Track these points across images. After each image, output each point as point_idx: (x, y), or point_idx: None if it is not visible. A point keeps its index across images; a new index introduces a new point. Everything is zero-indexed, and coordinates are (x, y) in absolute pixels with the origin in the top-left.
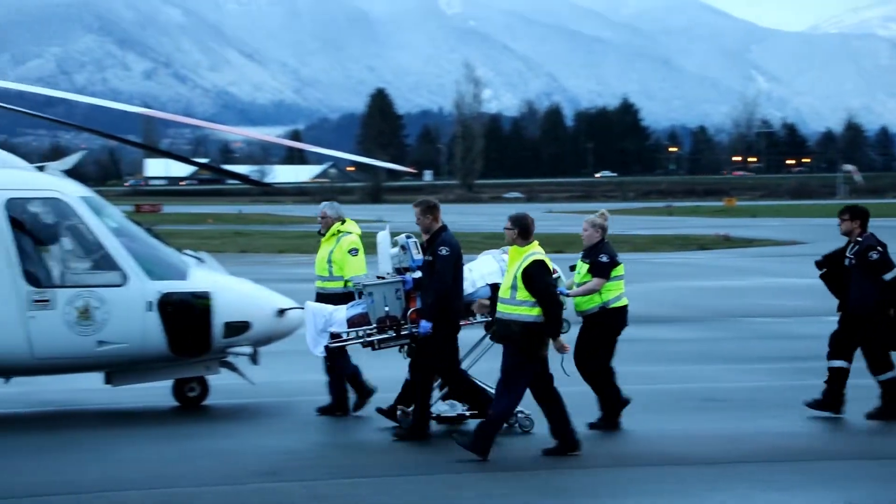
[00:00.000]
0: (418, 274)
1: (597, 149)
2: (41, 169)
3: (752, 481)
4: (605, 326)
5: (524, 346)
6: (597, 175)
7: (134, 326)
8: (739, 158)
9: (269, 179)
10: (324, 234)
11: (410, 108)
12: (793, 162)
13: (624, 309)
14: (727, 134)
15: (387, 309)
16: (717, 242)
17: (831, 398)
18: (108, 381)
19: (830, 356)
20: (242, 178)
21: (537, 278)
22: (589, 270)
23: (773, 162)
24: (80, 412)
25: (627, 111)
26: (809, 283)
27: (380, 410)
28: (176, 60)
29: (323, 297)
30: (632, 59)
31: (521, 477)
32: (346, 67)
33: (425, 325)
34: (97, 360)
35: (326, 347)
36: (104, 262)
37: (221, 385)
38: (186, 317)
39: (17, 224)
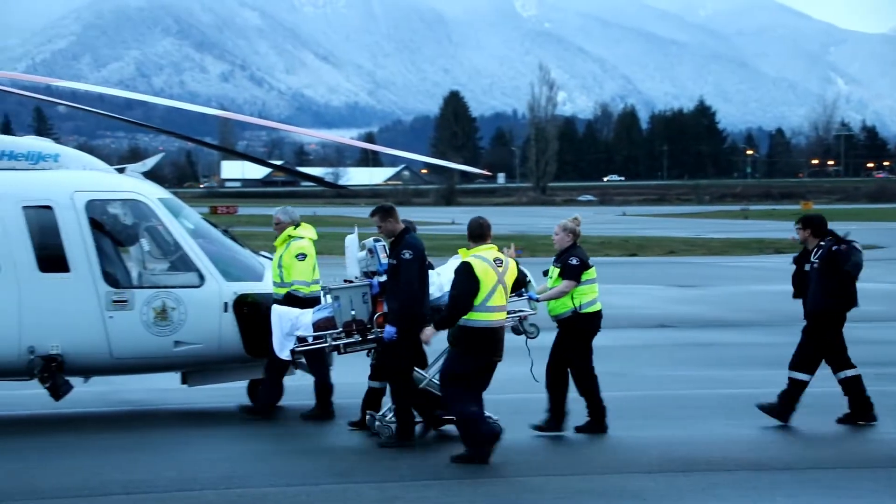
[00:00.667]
0: (385, 278)
1: (671, 152)
2: (121, 171)
3: (829, 488)
4: (577, 331)
5: (460, 347)
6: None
7: (210, 327)
8: (817, 161)
9: (342, 181)
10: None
11: (484, 110)
12: (872, 165)
13: (597, 314)
14: (805, 137)
15: (353, 313)
16: (793, 246)
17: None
18: (184, 381)
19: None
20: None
21: (454, 280)
22: (560, 273)
23: (851, 165)
24: (156, 412)
25: (703, 113)
26: (888, 287)
27: (352, 424)
28: (252, 63)
29: (279, 302)
30: (708, 61)
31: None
32: (420, 70)
33: (390, 330)
34: (174, 360)
35: (292, 351)
36: (181, 263)
37: (295, 386)
38: (262, 318)
39: (97, 225)
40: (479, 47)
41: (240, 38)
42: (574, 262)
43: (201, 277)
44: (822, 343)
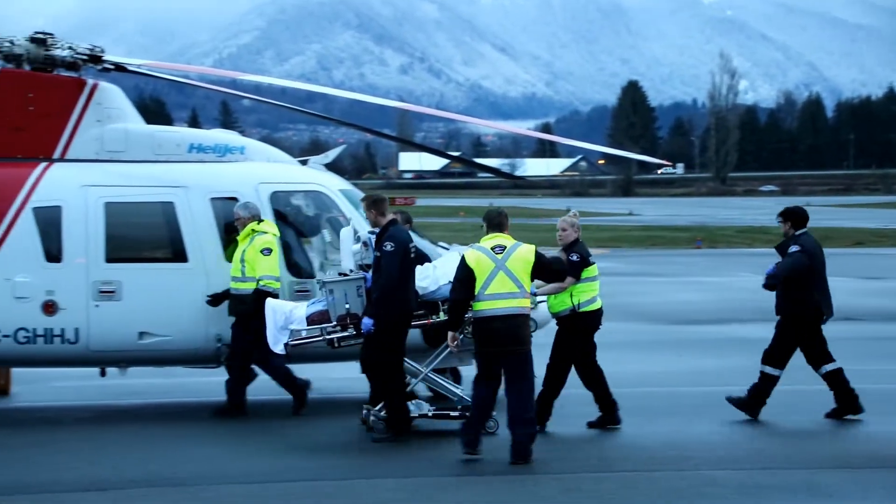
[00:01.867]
0: None
1: (858, 140)
2: (304, 163)
3: None
4: (576, 329)
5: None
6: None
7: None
8: None
9: (519, 173)
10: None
11: (663, 99)
12: None
13: (597, 312)
14: None
15: (347, 306)
16: None
17: (844, 402)
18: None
19: (816, 365)
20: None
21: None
22: None
23: None
24: (343, 401)
25: (893, 100)
26: None
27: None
28: (431, 55)
29: (235, 299)
30: None
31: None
32: (598, 60)
33: (366, 323)
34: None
35: (286, 345)
36: None
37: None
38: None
39: (281, 216)
40: (658, 36)
41: (418, 31)
42: (574, 258)
43: None
44: (795, 339)
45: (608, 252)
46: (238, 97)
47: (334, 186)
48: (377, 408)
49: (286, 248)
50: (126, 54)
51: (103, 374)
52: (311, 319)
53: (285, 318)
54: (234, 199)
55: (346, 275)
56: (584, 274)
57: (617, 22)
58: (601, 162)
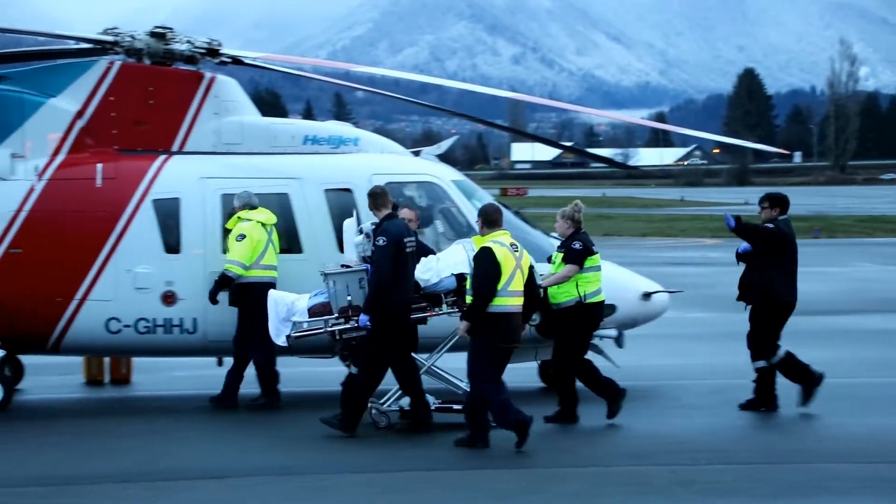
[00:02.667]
0: None
1: None
2: (416, 154)
3: None
4: (580, 321)
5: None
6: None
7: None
8: None
9: (632, 162)
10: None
11: (780, 87)
12: None
13: (600, 304)
14: None
15: (349, 298)
16: None
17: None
18: None
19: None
20: (606, 160)
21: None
22: (563, 258)
23: None
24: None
25: None
26: None
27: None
28: (543, 45)
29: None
30: None
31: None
32: (714, 47)
33: (363, 319)
34: (466, 342)
35: (288, 337)
36: None
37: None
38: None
39: (394, 207)
40: (776, 23)
41: (531, 21)
42: (577, 245)
43: None
44: (770, 323)
45: (722, 242)
46: (352, 89)
47: (447, 177)
48: (381, 401)
49: None
50: (242, 47)
51: (220, 363)
52: (312, 311)
53: (287, 309)
54: (349, 191)
55: (348, 266)
56: (588, 263)
57: (734, 9)
58: (716, 151)
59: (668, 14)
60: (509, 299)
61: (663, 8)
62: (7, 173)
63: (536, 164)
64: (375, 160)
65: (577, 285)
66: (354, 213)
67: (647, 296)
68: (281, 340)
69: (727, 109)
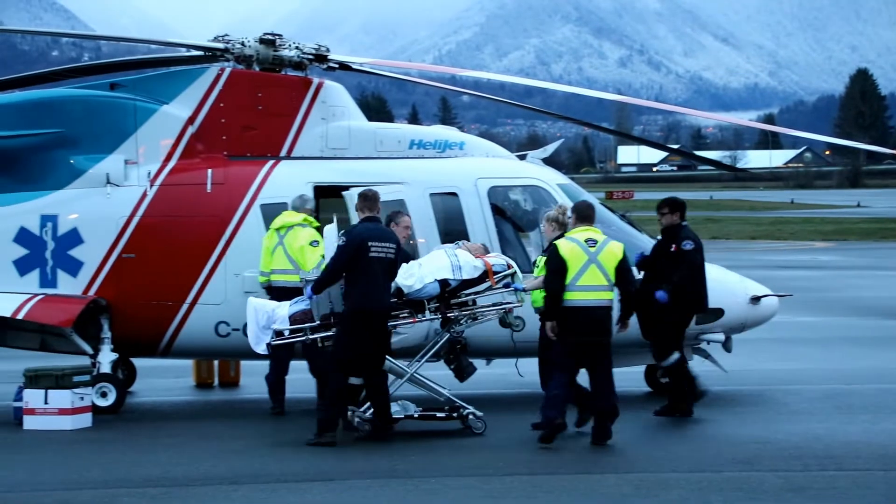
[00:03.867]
0: None
1: None
2: (522, 157)
3: None
4: (559, 324)
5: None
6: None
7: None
8: None
9: (741, 164)
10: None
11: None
12: None
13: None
14: None
15: (331, 305)
16: None
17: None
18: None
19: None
20: (714, 163)
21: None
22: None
23: None
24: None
25: None
26: None
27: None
28: (650, 47)
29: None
30: None
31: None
32: (825, 48)
33: (307, 291)
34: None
35: (269, 345)
36: None
37: (694, 372)
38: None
39: (499, 210)
40: (890, 22)
41: (638, 23)
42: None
43: None
44: (677, 321)
45: (834, 245)
46: (457, 93)
47: (552, 181)
48: (361, 409)
49: (504, 243)
50: (349, 53)
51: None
52: (293, 319)
53: (267, 317)
54: (453, 195)
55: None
56: None
57: (846, 8)
58: (827, 153)
59: (778, 15)
60: (579, 293)
61: (773, 8)
62: (120, 179)
63: (642, 166)
64: (481, 164)
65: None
66: (335, 219)
67: (756, 299)
68: (261, 349)
69: (839, 111)
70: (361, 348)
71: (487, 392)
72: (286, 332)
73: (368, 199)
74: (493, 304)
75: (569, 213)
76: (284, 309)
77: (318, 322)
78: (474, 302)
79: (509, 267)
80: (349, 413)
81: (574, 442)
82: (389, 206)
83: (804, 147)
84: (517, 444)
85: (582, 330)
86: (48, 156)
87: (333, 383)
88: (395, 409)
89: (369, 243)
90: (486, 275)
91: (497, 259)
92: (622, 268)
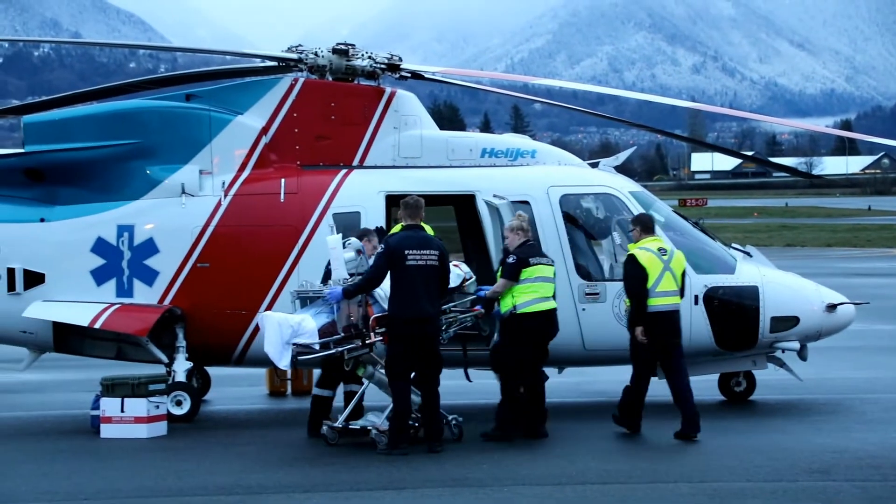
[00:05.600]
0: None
1: None
2: (594, 165)
3: None
4: (513, 332)
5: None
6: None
7: (681, 320)
8: None
9: (817, 171)
10: None
11: None
12: None
13: (536, 315)
14: None
15: (351, 317)
16: None
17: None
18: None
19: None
20: (789, 169)
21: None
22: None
23: None
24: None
25: None
26: None
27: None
28: (724, 53)
29: None
30: None
31: None
32: None
33: (335, 292)
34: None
35: (295, 361)
36: None
37: (768, 380)
38: (733, 311)
39: (571, 219)
40: None
41: (712, 29)
42: (510, 259)
43: None
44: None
45: None
46: (529, 101)
47: (625, 189)
48: (380, 421)
49: (575, 251)
50: (422, 62)
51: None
52: (322, 332)
53: (292, 330)
54: (526, 203)
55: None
56: (526, 275)
57: None
58: None
59: (855, 20)
60: (660, 299)
61: (850, 13)
62: (195, 189)
63: (716, 174)
64: (552, 172)
65: (511, 296)
66: (332, 229)
67: (831, 307)
68: (284, 364)
69: None
70: (408, 356)
71: (561, 401)
72: (316, 346)
73: (410, 206)
74: (463, 311)
75: (522, 223)
76: (310, 322)
77: (341, 334)
78: (450, 310)
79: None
80: (325, 428)
81: (648, 450)
82: (451, 211)
83: (881, 153)
84: (589, 453)
85: (667, 331)
86: (125, 166)
87: (395, 393)
88: (373, 419)
89: (406, 251)
90: (464, 282)
91: (463, 266)
92: (685, 274)
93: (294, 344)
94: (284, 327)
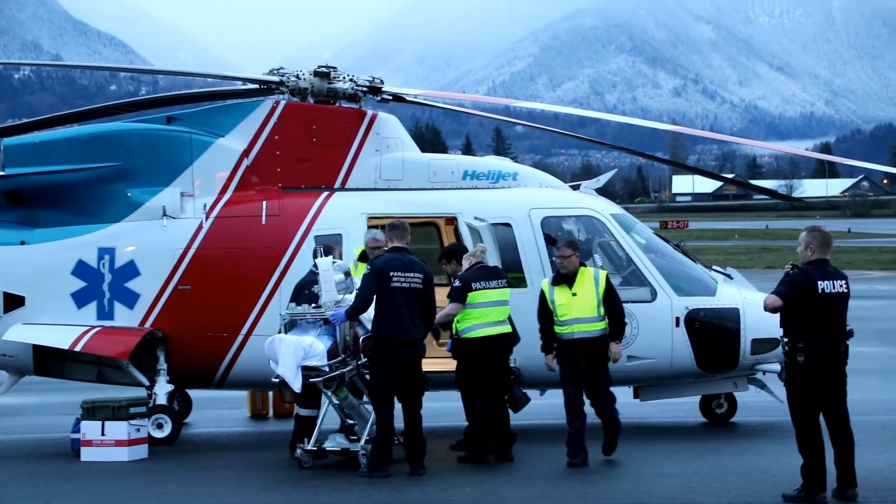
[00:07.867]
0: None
1: None
2: (575, 188)
3: None
4: (458, 356)
5: None
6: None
7: (662, 342)
8: None
9: (797, 194)
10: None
11: None
12: None
13: (481, 340)
14: None
15: (347, 338)
16: None
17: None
18: (636, 395)
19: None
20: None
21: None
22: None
23: None
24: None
25: None
26: None
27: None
28: (705, 76)
29: None
30: None
31: None
32: (883, 76)
33: (338, 314)
34: (626, 374)
35: (306, 380)
36: (633, 278)
37: (749, 402)
38: (714, 333)
39: (552, 241)
40: None
41: (693, 53)
42: (456, 284)
43: (653, 292)
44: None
45: (892, 275)
46: (511, 123)
47: (606, 211)
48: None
49: None
50: (404, 84)
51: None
52: (331, 354)
53: (304, 353)
54: (507, 225)
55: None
56: (474, 299)
57: None
58: (885, 182)
59: (834, 43)
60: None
61: (830, 37)
62: (176, 212)
63: (697, 196)
64: (534, 194)
65: (458, 321)
66: (321, 251)
67: None
68: (298, 386)
69: None
70: (391, 379)
71: (542, 422)
72: (326, 368)
73: (396, 228)
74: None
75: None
76: (320, 344)
77: (342, 355)
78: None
79: None
80: (297, 448)
81: (630, 473)
82: (433, 233)
83: (861, 176)
84: (572, 475)
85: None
86: (106, 189)
87: (378, 415)
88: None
89: (391, 273)
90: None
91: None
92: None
93: (302, 367)
94: (298, 349)
